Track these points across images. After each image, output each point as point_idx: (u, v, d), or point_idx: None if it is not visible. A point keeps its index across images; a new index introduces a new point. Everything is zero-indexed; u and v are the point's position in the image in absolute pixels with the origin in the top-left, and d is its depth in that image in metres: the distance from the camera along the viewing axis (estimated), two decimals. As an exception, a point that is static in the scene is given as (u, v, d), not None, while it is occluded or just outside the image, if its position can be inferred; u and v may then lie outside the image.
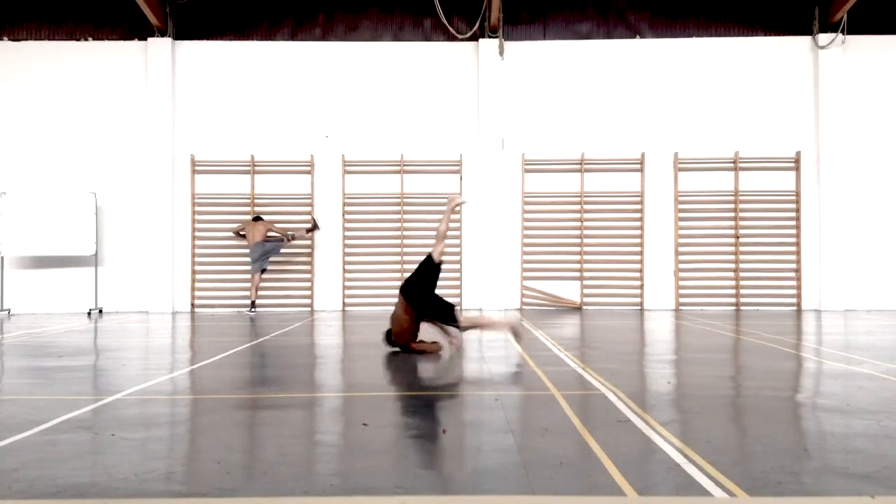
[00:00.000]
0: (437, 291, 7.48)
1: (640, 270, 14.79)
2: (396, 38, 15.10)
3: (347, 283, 14.83)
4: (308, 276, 14.86)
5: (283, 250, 14.91)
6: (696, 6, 15.07)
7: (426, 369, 6.49)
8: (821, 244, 14.58)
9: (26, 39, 14.97)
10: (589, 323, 11.72)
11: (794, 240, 14.73)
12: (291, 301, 14.83)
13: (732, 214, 14.72)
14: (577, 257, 14.81)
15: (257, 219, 14.22)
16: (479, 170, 14.81)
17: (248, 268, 14.83)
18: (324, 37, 15.10)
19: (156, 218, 14.62)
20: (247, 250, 14.82)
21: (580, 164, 14.80)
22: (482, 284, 14.65)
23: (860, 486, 3.02)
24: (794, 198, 14.75)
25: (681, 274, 14.76)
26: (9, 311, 14.23)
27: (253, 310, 13.87)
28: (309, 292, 14.84)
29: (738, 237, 14.68)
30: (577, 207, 14.84)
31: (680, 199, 14.80)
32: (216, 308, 14.69)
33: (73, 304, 14.44)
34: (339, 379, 6.27)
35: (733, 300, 14.66)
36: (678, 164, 14.78)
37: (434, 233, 14.68)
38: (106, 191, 14.64)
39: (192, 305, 14.73)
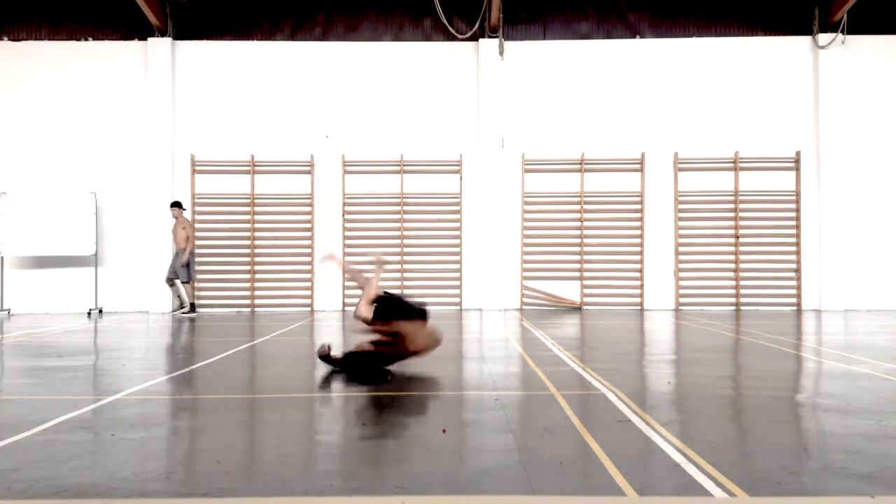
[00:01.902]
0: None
1: (640, 270, 14.79)
2: (396, 38, 15.10)
3: (347, 283, 14.83)
4: (308, 276, 14.87)
5: (278, 250, 14.93)
6: (696, 6, 15.07)
7: (426, 370, 6.48)
8: (821, 244, 14.59)
9: (26, 39, 14.97)
10: (589, 323, 11.72)
11: (794, 240, 14.73)
12: (291, 301, 14.83)
13: (732, 214, 14.72)
14: (577, 257, 14.82)
15: (172, 205, 13.67)
16: (479, 170, 14.81)
17: (245, 268, 14.84)
18: (324, 37, 15.10)
19: (156, 218, 14.61)
20: (246, 249, 14.83)
21: (580, 164, 14.80)
22: (482, 284, 14.66)
23: (860, 486, 3.02)
24: (794, 198, 14.75)
25: (681, 274, 14.76)
26: (9, 311, 14.22)
27: (191, 311, 13.53)
28: (309, 292, 14.84)
29: (738, 237, 14.69)
30: (577, 207, 14.84)
31: (680, 199, 14.80)
32: (216, 308, 14.69)
33: (73, 304, 14.44)
34: (339, 379, 6.27)
35: (733, 300, 14.67)
36: (678, 164, 14.78)
37: (433, 233, 14.77)
38: (106, 191, 14.64)
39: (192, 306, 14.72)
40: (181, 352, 8.49)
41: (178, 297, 13.67)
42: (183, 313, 13.43)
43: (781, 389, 5.49)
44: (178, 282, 13.56)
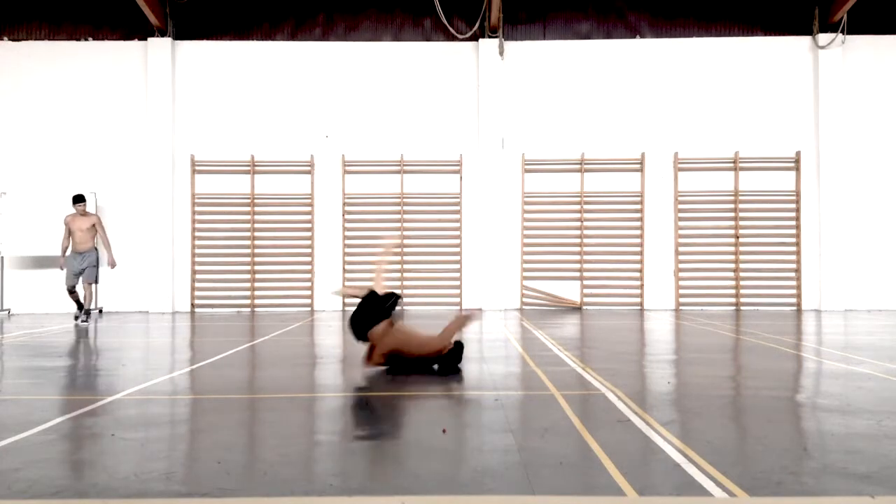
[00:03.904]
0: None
1: (640, 270, 14.79)
2: (396, 38, 15.10)
3: (348, 283, 14.83)
4: (308, 276, 14.87)
5: (278, 250, 14.91)
6: (696, 6, 15.07)
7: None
8: (821, 244, 14.59)
9: (26, 39, 14.97)
10: (589, 323, 11.71)
11: (794, 240, 14.73)
12: (291, 301, 14.83)
13: (732, 214, 14.72)
14: (577, 257, 14.82)
15: (80, 199, 11.70)
16: (479, 170, 14.81)
17: (245, 268, 14.83)
18: (324, 37, 15.10)
19: (156, 218, 14.62)
20: (246, 249, 14.83)
21: (580, 164, 14.80)
22: (482, 284, 14.66)
23: (860, 486, 3.02)
24: (794, 198, 14.75)
25: (681, 274, 14.76)
26: (9, 311, 14.22)
27: (88, 318, 11.73)
28: (309, 292, 14.84)
29: (738, 237, 14.68)
30: (577, 207, 14.84)
31: (680, 199, 14.80)
32: (216, 308, 14.70)
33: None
34: (339, 379, 6.27)
35: (733, 300, 14.66)
36: (678, 164, 14.78)
37: (433, 233, 14.77)
38: (106, 191, 14.64)
39: (192, 305, 14.73)
40: (181, 352, 8.49)
41: (82, 300, 11.68)
42: (84, 320, 11.59)
43: (781, 389, 5.49)
44: (85, 285, 11.65)
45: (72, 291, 11.64)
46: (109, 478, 3.17)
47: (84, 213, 11.72)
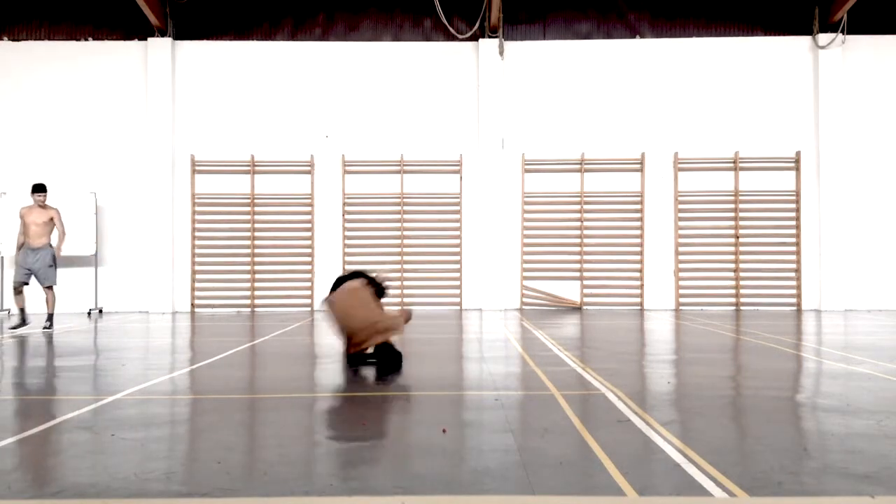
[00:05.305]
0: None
1: (640, 270, 14.79)
2: (396, 38, 15.10)
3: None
4: (308, 276, 14.86)
5: (278, 250, 14.90)
6: (696, 6, 15.07)
7: (426, 369, 6.49)
8: (821, 244, 14.59)
9: (26, 39, 14.97)
10: (589, 323, 11.71)
11: (794, 240, 14.73)
12: (291, 301, 14.83)
13: (732, 214, 14.72)
14: (577, 257, 14.81)
15: (40, 189, 10.56)
16: (479, 170, 14.81)
17: (245, 268, 14.83)
18: (324, 37, 15.10)
19: (156, 218, 14.62)
20: (246, 249, 14.83)
21: (580, 164, 14.80)
22: (482, 284, 14.65)
23: (860, 486, 3.02)
24: (794, 198, 14.75)
25: (681, 274, 14.76)
26: (9, 311, 14.21)
27: (23, 324, 10.34)
28: (309, 292, 14.84)
29: (738, 237, 14.68)
30: (577, 207, 14.84)
31: (680, 199, 14.79)
32: (216, 308, 14.71)
33: (73, 304, 14.42)
34: (339, 379, 6.27)
35: (733, 300, 14.66)
36: (678, 164, 14.78)
37: (433, 233, 14.76)
38: (106, 191, 14.63)
39: (192, 305, 14.73)
40: (181, 352, 8.49)
41: (46, 307, 10.53)
42: (47, 326, 10.37)
43: (781, 389, 5.49)
44: (46, 291, 10.46)
45: (18, 291, 10.23)
46: (109, 478, 3.17)
47: (43, 206, 10.52)
